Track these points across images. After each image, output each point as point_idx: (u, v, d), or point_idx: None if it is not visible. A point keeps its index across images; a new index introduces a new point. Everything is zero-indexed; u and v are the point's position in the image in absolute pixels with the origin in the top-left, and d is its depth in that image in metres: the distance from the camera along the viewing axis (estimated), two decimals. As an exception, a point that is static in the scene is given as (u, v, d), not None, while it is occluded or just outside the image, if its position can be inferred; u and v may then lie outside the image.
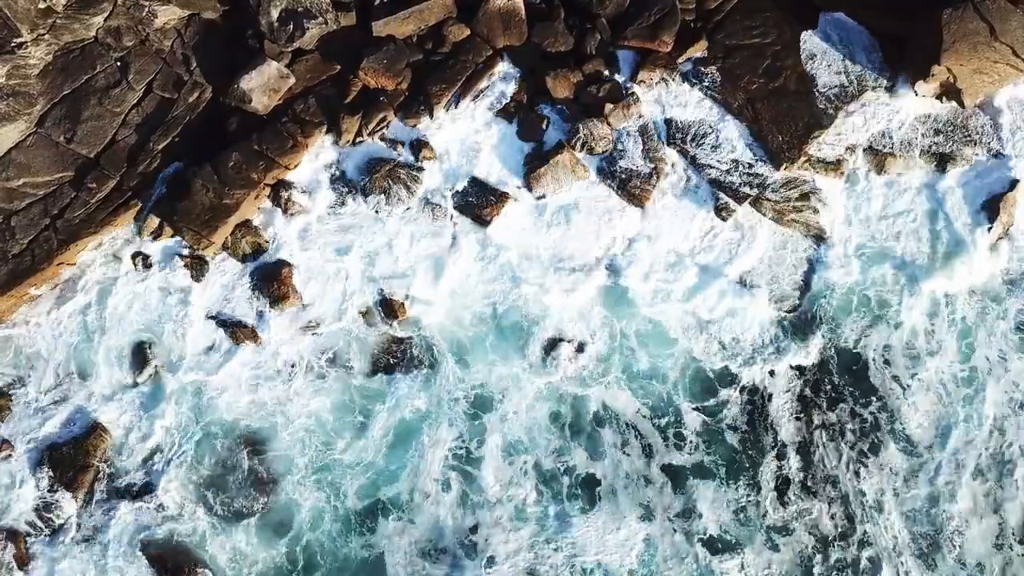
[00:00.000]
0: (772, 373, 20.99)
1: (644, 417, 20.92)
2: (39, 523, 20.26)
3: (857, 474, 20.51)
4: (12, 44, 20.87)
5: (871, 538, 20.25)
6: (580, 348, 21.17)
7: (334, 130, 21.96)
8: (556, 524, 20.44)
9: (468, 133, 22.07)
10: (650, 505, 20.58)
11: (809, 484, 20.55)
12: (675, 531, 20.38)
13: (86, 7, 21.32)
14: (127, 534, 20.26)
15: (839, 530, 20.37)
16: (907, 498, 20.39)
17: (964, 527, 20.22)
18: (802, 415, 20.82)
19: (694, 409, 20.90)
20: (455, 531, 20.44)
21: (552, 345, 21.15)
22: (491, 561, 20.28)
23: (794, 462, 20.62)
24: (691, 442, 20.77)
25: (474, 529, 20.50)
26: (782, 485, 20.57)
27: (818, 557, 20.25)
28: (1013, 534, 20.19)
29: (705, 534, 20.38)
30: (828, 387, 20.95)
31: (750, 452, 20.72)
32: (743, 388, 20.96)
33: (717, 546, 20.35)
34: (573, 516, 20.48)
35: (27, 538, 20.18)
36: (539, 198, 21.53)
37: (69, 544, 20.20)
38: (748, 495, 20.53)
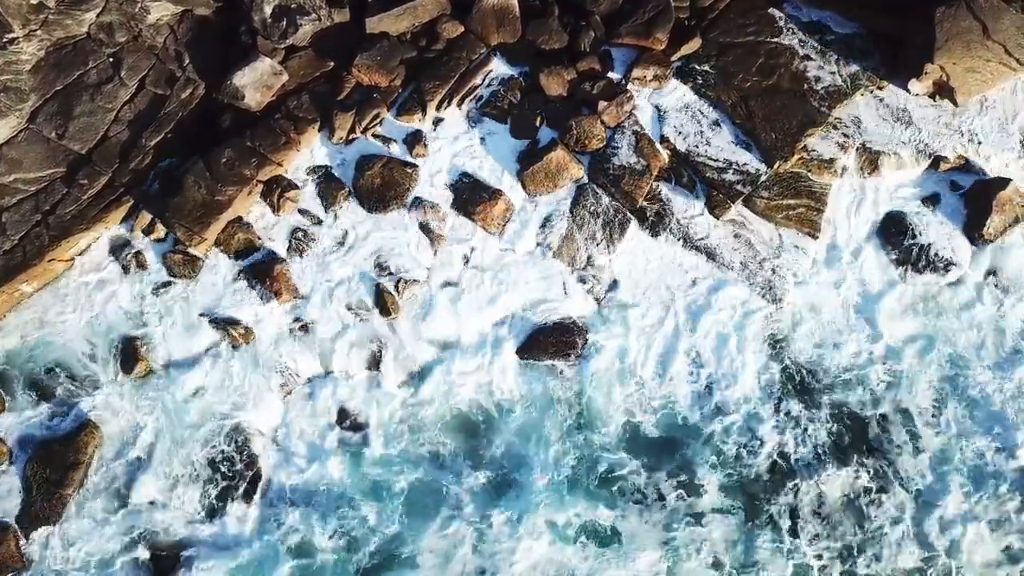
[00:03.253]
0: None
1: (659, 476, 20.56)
2: (31, 519, 20.15)
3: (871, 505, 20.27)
4: (4, 40, 20.87)
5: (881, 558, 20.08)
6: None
7: (327, 127, 21.93)
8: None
9: (461, 130, 22.08)
10: (669, 537, 20.12)
11: (823, 516, 20.23)
12: (694, 554, 20.06)
13: (78, 3, 21.31)
14: (118, 532, 20.19)
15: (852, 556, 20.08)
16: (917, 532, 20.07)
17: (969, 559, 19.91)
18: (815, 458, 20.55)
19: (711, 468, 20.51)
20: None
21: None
22: None
23: (808, 496, 20.31)
24: (708, 490, 20.34)
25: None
26: (796, 517, 20.18)
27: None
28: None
29: (724, 559, 20.00)
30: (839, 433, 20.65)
31: (766, 492, 20.35)
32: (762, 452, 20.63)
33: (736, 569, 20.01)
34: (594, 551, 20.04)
35: (20, 537, 20.09)
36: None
37: (63, 541, 20.11)
38: (764, 527, 20.18)
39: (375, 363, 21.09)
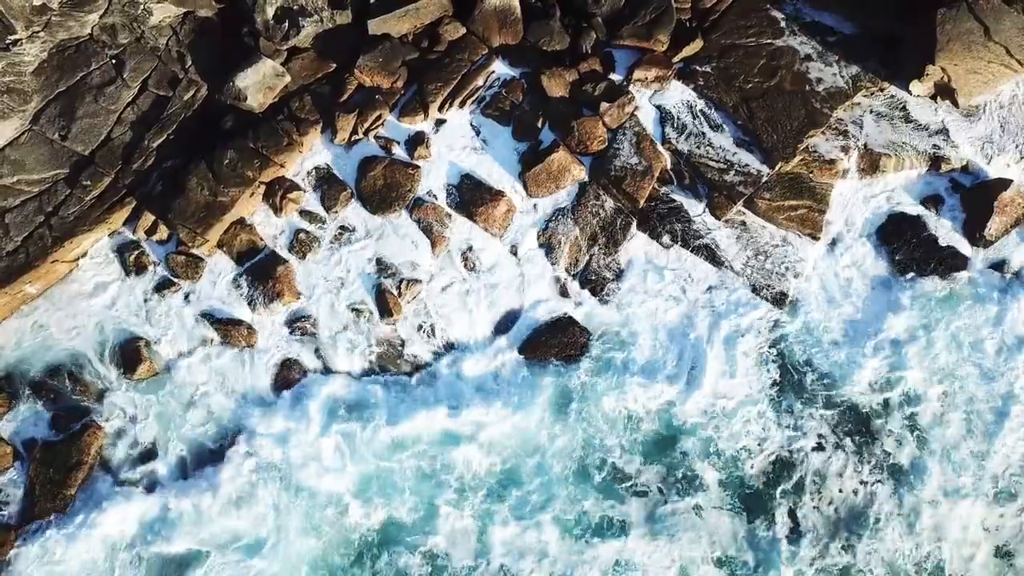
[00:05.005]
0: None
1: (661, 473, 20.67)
2: (34, 519, 20.18)
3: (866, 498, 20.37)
4: (7, 41, 20.90)
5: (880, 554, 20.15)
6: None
7: (329, 128, 21.96)
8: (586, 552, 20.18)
9: (463, 131, 22.09)
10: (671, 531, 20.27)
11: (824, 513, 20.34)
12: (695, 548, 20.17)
13: (81, 4, 21.34)
14: (117, 533, 20.22)
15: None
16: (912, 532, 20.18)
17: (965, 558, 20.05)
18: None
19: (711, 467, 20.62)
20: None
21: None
22: None
23: (808, 498, 20.39)
24: (707, 487, 20.47)
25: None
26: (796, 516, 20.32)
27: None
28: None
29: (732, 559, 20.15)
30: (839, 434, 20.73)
31: (765, 488, 20.47)
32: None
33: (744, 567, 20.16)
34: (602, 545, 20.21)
35: (18, 535, 20.12)
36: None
37: (62, 541, 20.14)
38: (764, 528, 20.29)
39: (376, 363, 21.15)
